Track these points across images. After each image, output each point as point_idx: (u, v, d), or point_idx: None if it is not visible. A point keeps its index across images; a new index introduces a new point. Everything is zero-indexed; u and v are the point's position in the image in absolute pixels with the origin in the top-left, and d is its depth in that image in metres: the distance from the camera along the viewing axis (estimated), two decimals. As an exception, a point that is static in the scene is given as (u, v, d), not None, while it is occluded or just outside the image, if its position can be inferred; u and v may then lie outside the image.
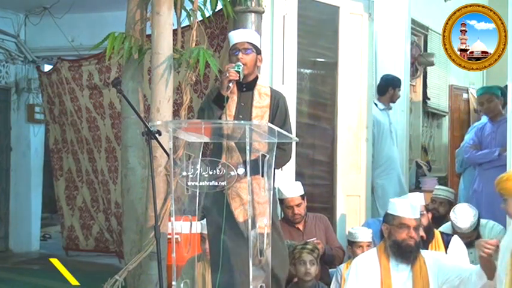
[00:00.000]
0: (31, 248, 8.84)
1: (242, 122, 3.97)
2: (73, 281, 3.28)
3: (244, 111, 4.16)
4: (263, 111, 4.17)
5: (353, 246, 4.72)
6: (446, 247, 4.63)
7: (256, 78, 4.24)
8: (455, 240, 4.68)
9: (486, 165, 6.06)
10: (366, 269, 4.06)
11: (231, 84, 4.04)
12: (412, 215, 4.05)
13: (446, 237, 4.70)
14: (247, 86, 4.18)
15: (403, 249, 3.99)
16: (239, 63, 4.08)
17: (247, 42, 4.17)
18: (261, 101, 4.18)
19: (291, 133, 4.25)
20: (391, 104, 6.68)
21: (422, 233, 4.26)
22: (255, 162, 3.80)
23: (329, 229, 5.22)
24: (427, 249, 4.42)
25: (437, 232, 4.73)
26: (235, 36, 4.21)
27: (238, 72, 4.04)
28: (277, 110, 4.20)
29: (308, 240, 4.77)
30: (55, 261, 3.28)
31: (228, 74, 4.03)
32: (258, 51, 4.22)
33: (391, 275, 4.00)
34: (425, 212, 4.64)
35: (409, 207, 4.07)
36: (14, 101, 8.72)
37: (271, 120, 4.13)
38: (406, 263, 4.01)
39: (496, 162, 5.92)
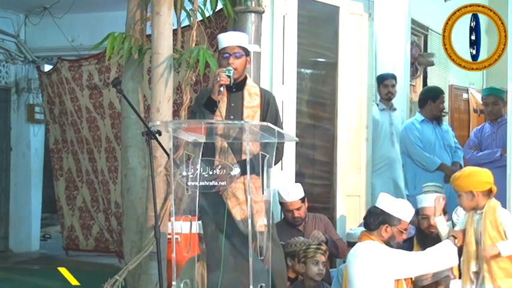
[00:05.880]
0: (31, 248, 8.83)
1: (242, 122, 3.98)
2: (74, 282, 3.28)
3: (235, 112, 4.16)
4: (254, 111, 4.17)
5: (355, 246, 4.72)
6: None
7: (245, 78, 4.23)
8: None
9: (487, 165, 6.04)
10: None
11: (222, 89, 4.05)
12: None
13: None
14: (236, 87, 4.18)
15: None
16: (230, 67, 4.07)
17: (238, 46, 4.17)
18: (251, 101, 4.18)
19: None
20: (394, 105, 6.63)
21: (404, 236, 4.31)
22: (250, 162, 3.81)
23: (329, 226, 5.24)
24: None
25: None
26: (225, 40, 4.19)
27: (229, 76, 4.03)
28: (267, 109, 4.21)
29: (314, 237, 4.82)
30: (63, 270, 3.24)
31: (219, 79, 4.02)
32: (247, 53, 4.22)
33: None
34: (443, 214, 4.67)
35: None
36: (14, 101, 8.72)
37: (262, 119, 4.13)
38: None
39: (497, 163, 5.92)
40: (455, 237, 4.18)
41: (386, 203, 4.25)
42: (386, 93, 6.48)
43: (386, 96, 6.47)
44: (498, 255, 3.97)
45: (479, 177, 4.13)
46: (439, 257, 4.10)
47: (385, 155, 6.36)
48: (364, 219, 4.36)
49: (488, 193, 4.09)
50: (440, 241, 4.38)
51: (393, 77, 6.60)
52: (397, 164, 6.52)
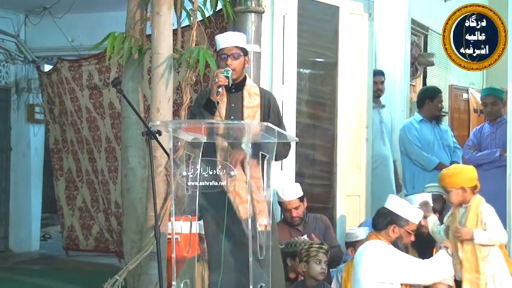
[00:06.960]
0: (31, 248, 8.84)
1: (242, 122, 3.98)
2: None
3: (235, 112, 4.16)
4: (254, 111, 4.16)
5: (356, 246, 4.71)
6: None
7: (245, 78, 4.23)
8: None
9: (487, 165, 6.05)
10: None
11: (220, 90, 4.04)
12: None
13: None
14: (236, 87, 4.17)
15: None
16: (228, 68, 4.07)
17: (235, 47, 4.16)
18: (251, 101, 4.18)
19: (286, 130, 4.24)
20: (382, 102, 6.63)
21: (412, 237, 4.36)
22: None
23: (329, 229, 5.22)
24: (431, 254, 4.46)
25: None
26: (223, 41, 4.19)
27: (227, 77, 4.03)
28: (269, 109, 4.21)
29: (304, 238, 4.81)
30: None
31: (217, 80, 4.02)
32: (245, 53, 4.21)
33: None
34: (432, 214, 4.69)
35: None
36: (14, 101, 8.72)
37: (264, 119, 4.13)
38: None
39: (497, 163, 5.91)
40: (447, 248, 4.30)
41: (395, 204, 4.31)
42: (376, 90, 6.45)
43: (375, 93, 6.43)
44: (471, 240, 4.15)
45: (469, 174, 4.36)
46: (438, 268, 4.22)
47: (378, 154, 6.36)
48: (372, 219, 4.39)
49: (474, 189, 4.31)
50: (432, 240, 4.48)
51: (381, 73, 6.59)
52: (390, 162, 6.56)
